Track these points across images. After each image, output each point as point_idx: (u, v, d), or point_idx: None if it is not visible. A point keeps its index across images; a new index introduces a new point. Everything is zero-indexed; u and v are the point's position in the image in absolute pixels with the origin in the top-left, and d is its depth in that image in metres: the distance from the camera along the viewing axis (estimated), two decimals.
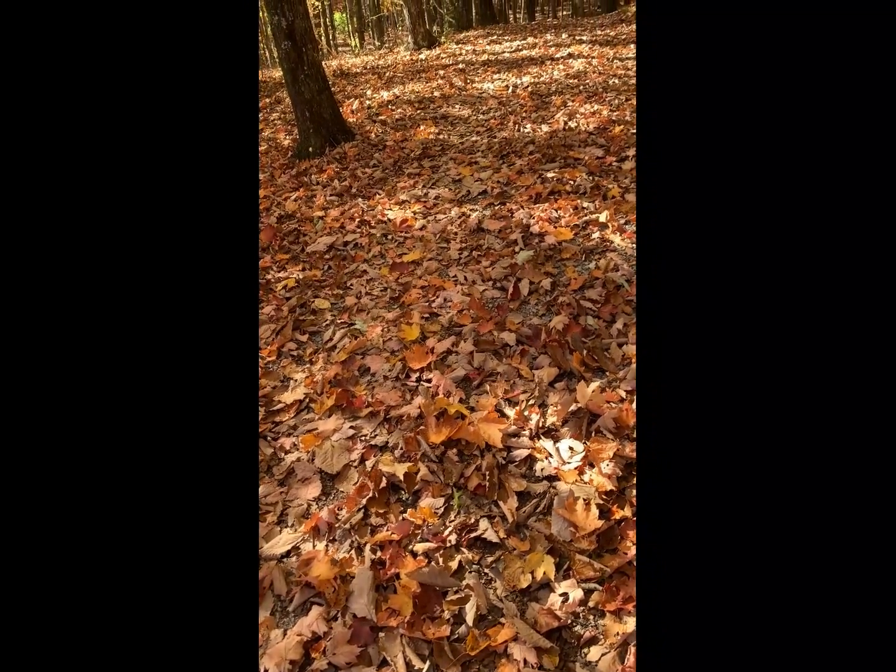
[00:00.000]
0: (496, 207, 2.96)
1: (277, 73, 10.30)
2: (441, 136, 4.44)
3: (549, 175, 3.19)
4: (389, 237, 2.89)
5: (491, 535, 1.25)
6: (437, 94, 6.04)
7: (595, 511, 1.23)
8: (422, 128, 4.71)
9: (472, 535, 1.26)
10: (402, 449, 1.51)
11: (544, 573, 1.15)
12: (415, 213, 3.10)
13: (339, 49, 18.40)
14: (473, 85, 6.20)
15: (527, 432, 1.49)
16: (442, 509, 1.33)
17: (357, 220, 3.12)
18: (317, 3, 17.55)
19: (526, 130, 4.16)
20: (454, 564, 1.20)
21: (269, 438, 1.67)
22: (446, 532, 1.27)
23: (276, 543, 1.32)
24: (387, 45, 14.44)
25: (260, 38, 17.82)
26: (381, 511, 1.35)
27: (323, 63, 4.79)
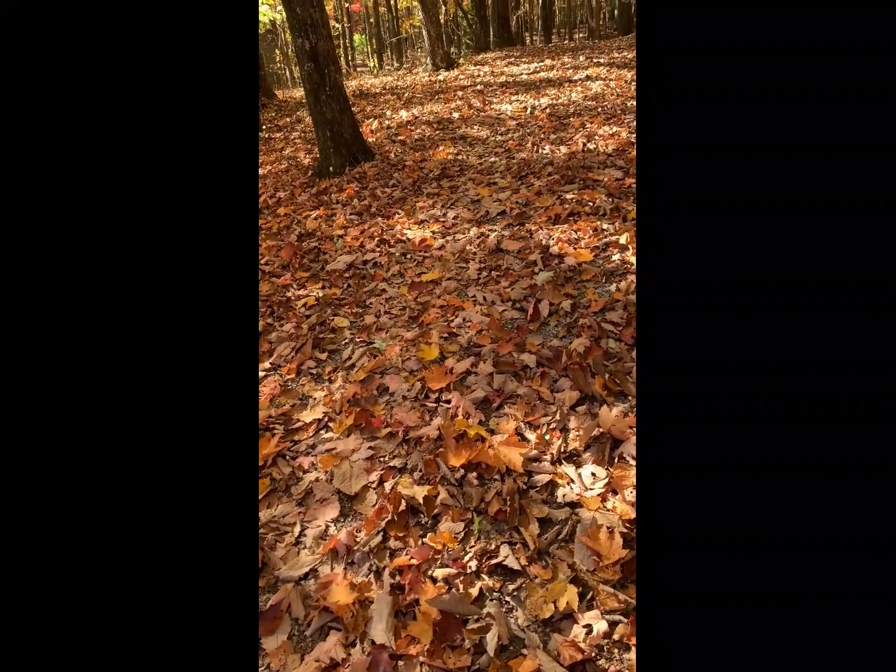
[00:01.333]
0: (515, 228, 2.97)
1: (298, 93, 10.51)
2: (460, 157, 4.48)
3: (569, 196, 3.19)
4: (408, 256, 2.91)
5: (512, 563, 1.23)
6: (455, 114, 6.11)
7: (619, 540, 1.21)
8: (440, 148, 4.75)
9: (493, 561, 1.24)
10: (421, 471, 1.50)
11: (567, 603, 1.13)
12: (434, 232, 3.12)
13: (358, 69, 18.74)
14: (492, 106, 6.26)
15: (548, 457, 1.48)
16: (462, 534, 1.32)
17: (376, 239, 3.14)
18: (337, 25, 17.93)
19: (544, 152, 4.18)
20: (475, 591, 1.18)
21: (287, 457, 1.67)
22: (466, 558, 1.25)
23: (294, 565, 1.31)
24: (405, 66, 14.69)
25: (283, 58, 18.22)
26: (401, 535, 1.34)
27: (343, 83, 4.89)
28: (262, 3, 9.86)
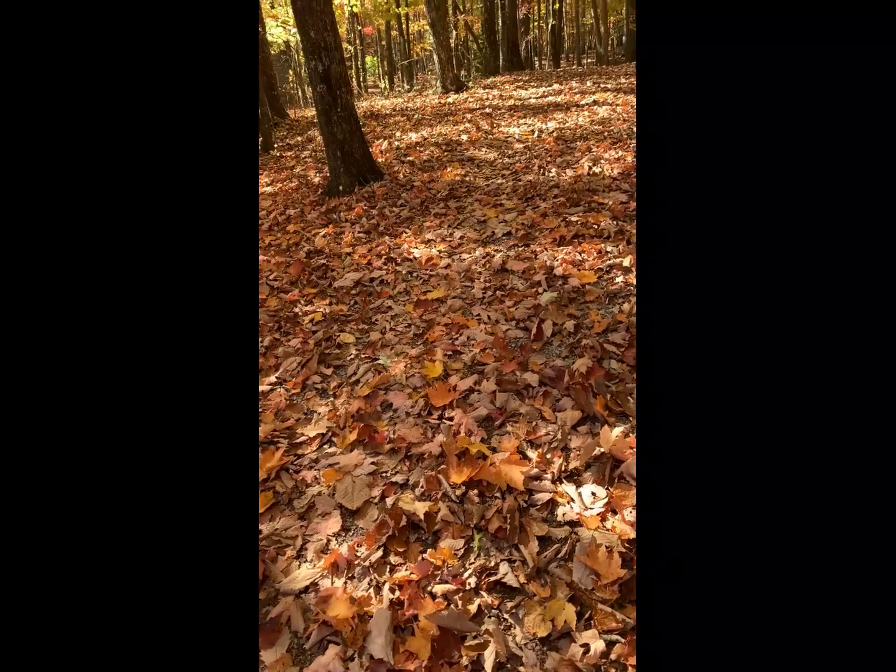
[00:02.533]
0: (520, 249, 3.01)
1: (310, 113, 10.70)
2: (467, 178, 4.54)
3: (574, 219, 3.24)
4: (415, 275, 2.95)
5: (511, 580, 1.23)
6: (464, 137, 6.20)
7: (618, 559, 1.22)
8: (448, 169, 4.83)
9: (492, 578, 1.25)
10: (422, 487, 1.51)
11: (565, 622, 1.13)
12: (440, 251, 3.16)
13: (370, 91, 19.06)
14: (499, 129, 6.36)
15: (549, 476, 1.49)
16: (462, 551, 1.33)
17: (384, 257, 3.18)
18: (350, 48, 18.29)
19: (551, 174, 4.24)
20: (473, 608, 1.19)
21: (290, 471, 1.69)
22: (466, 574, 1.26)
23: (295, 579, 1.32)
24: (416, 88, 14.93)
25: (296, 79, 18.56)
26: (401, 550, 1.35)
27: (354, 104, 4.99)
28: (277, 26, 10.07)
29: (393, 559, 1.34)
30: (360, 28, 19.17)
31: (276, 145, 7.76)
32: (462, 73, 13.99)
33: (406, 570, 1.30)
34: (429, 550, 1.33)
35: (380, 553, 1.35)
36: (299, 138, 8.24)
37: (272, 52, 11.70)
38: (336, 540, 1.43)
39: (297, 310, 2.74)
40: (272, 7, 12.75)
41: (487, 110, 7.78)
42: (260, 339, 2.47)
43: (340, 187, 4.53)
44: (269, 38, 10.18)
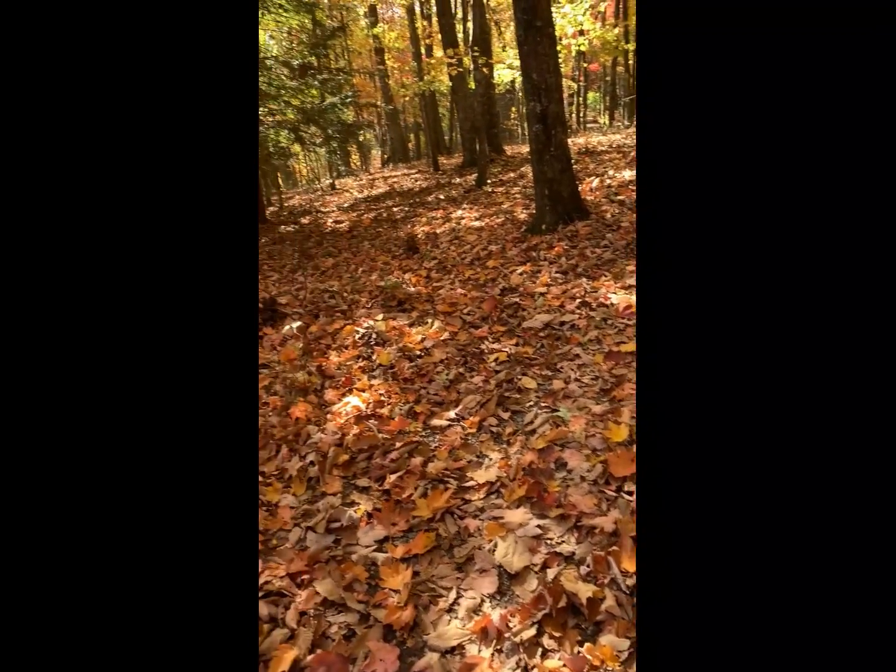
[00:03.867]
0: None
1: (525, 149, 11.01)
2: None
3: None
4: (609, 322, 2.78)
5: None
6: None
7: None
8: None
9: None
10: (589, 567, 1.38)
11: None
12: None
13: (588, 126, 19.04)
14: None
15: None
16: (626, 654, 1.16)
17: (578, 300, 3.07)
18: (573, 84, 18.53)
19: None
20: None
21: (455, 515, 1.67)
22: None
23: (443, 635, 1.28)
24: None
25: (518, 116, 19.37)
26: (556, 634, 1.23)
27: (569, 140, 4.96)
28: (505, 68, 10.63)
29: (546, 642, 1.22)
30: (585, 65, 19.32)
31: (489, 181, 8.11)
32: None
33: (559, 659, 1.18)
34: (587, 644, 1.19)
35: (533, 631, 1.25)
36: (512, 174, 8.51)
37: (497, 91, 12.34)
38: (490, 602, 1.36)
39: (483, 346, 2.76)
40: (503, 50, 13.49)
41: None
42: (446, 373, 2.53)
43: (543, 226, 4.53)
44: (495, 80, 10.76)
